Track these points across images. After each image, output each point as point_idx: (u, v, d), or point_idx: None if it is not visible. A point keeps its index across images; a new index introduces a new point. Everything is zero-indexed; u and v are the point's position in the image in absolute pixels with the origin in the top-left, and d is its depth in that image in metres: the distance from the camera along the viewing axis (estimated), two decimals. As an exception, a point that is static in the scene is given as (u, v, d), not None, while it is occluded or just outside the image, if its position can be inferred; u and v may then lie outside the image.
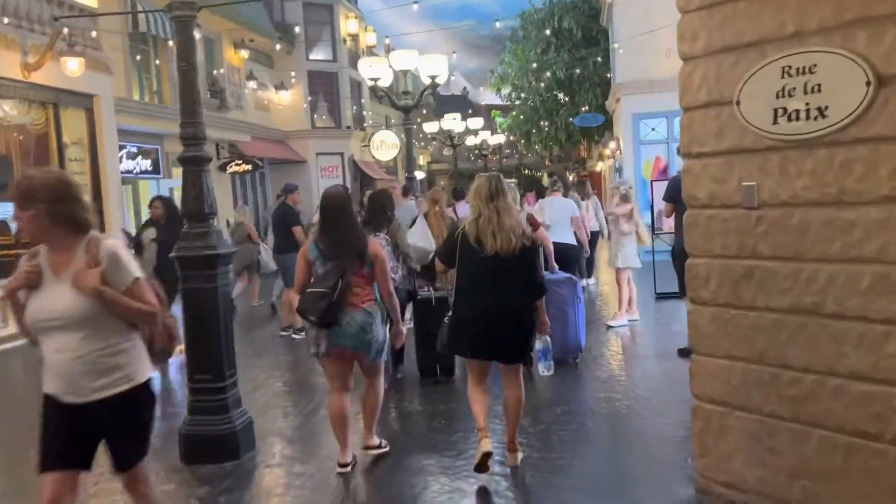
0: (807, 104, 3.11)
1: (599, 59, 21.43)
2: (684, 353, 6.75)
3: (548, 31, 24.01)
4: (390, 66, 13.10)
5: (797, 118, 3.14)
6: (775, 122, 3.22)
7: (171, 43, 13.43)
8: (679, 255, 6.72)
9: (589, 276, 11.12)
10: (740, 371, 3.47)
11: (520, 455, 4.22)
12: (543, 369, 4.41)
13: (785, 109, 3.17)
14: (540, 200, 8.84)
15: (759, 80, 3.26)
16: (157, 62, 13.87)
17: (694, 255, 3.74)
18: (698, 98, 3.60)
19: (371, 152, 22.98)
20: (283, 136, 20.70)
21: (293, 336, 8.80)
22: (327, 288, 3.91)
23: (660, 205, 10.27)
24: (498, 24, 32.27)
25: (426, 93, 13.40)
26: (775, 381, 3.33)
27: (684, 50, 3.68)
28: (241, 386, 4.80)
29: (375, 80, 12.63)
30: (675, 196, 6.57)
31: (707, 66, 3.53)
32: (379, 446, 4.44)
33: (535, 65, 24.54)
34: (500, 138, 29.03)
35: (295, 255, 8.63)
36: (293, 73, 20.08)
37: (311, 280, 4.05)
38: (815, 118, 3.08)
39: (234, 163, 16.67)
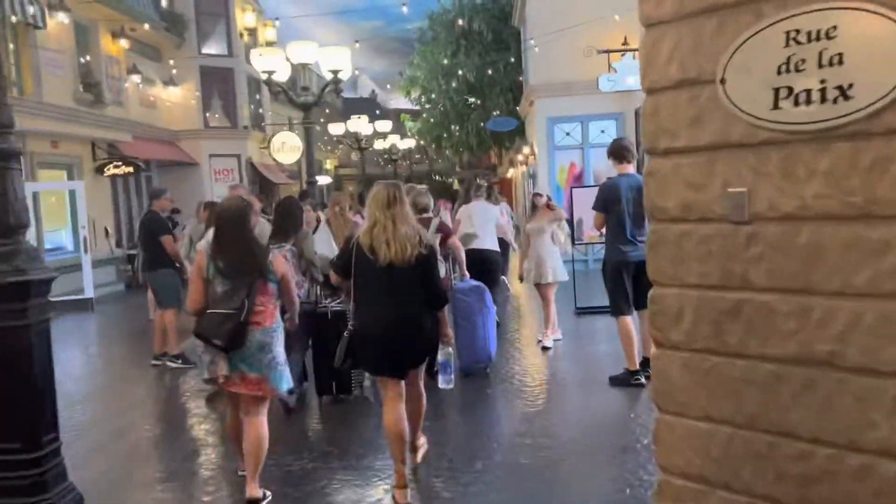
0: (822, 82, 2.27)
1: (512, 59, 20.80)
2: (617, 381, 6.00)
3: (457, 33, 23.36)
4: (287, 60, 11.93)
5: (808, 101, 2.30)
6: (776, 106, 2.37)
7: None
8: (611, 270, 5.95)
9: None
10: (724, 438, 2.62)
11: (422, 449, 4.40)
12: (443, 382, 4.28)
13: (790, 90, 2.33)
14: (465, 206, 8.45)
15: (752, 50, 2.42)
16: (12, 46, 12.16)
17: (660, 283, 2.86)
18: (667, 75, 2.71)
19: (271, 155, 21.56)
20: (172, 136, 19.03)
21: (168, 364, 7.59)
22: (233, 308, 3.69)
23: (581, 213, 9.60)
24: (408, 27, 31.48)
25: (328, 89, 12.32)
26: (773, 454, 2.50)
27: (648, 12, 2.79)
28: (99, 434, 4.27)
29: (269, 73, 11.44)
30: (606, 205, 5.79)
31: (680, 32, 2.66)
32: (262, 498, 3.93)
33: (444, 65, 23.83)
34: (410, 143, 28.15)
35: (167, 270, 7.50)
36: (175, 69, 18.45)
37: (210, 300, 3.80)
38: (835, 101, 2.25)
39: (112, 164, 14.98)
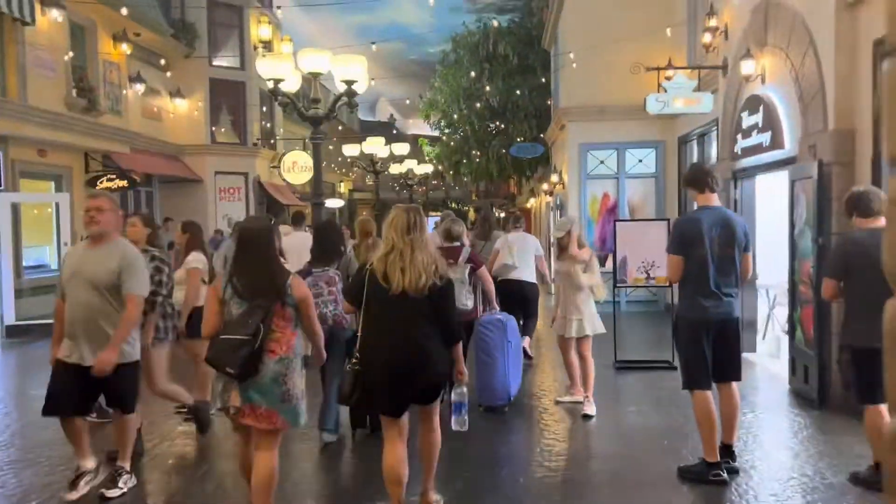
0: None
1: (542, 81, 19.57)
2: (689, 474, 4.60)
3: (481, 56, 22.34)
4: (297, 68, 10.74)
5: None
6: None
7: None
8: (686, 330, 4.61)
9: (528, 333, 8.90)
10: None
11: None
12: (456, 424, 4.00)
13: None
14: (505, 236, 8.37)
15: None
16: None
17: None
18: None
19: (281, 174, 20.46)
20: (175, 150, 17.94)
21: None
22: (247, 334, 3.49)
23: (626, 249, 8.26)
24: (430, 51, 30.47)
25: (341, 103, 11.13)
26: None
27: None
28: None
29: (277, 81, 10.25)
30: (684, 247, 4.48)
31: None
32: None
33: (467, 89, 22.78)
34: (427, 168, 26.93)
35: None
36: (182, 80, 17.40)
37: (226, 323, 3.61)
38: None
39: (106, 178, 13.83)
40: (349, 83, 10.27)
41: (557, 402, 6.59)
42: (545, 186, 18.33)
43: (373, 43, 12.96)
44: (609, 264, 13.15)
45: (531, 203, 26.73)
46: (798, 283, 6.83)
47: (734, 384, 4.73)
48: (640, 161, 13.23)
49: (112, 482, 4.43)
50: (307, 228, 10.11)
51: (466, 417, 4.03)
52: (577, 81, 13.26)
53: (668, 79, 9.85)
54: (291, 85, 10.87)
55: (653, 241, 8.19)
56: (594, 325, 6.47)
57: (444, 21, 27.09)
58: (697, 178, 4.65)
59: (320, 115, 10.90)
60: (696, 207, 4.77)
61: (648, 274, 8.23)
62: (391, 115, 44.36)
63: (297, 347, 3.73)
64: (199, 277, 6.41)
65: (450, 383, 3.99)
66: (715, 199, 4.65)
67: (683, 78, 9.42)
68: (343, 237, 5.51)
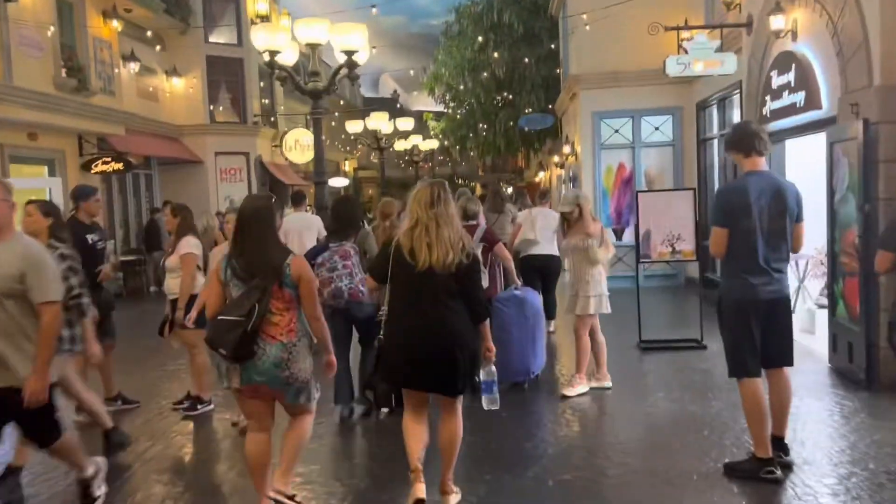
0: None
1: (552, 47, 18.80)
2: (739, 471, 4.13)
3: (484, 28, 21.63)
4: (294, 39, 10.22)
5: None
6: None
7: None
8: (733, 311, 4.13)
9: (552, 316, 8.44)
10: None
11: (453, 499, 3.81)
12: (487, 403, 3.91)
13: None
14: (527, 211, 8.56)
15: None
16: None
17: None
18: None
19: (283, 153, 19.93)
20: (174, 131, 17.42)
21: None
22: (240, 315, 3.39)
23: (650, 222, 7.73)
24: (433, 23, 29.66)
25: (341, 75, 10.59)
26: None
27: None
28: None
29: (273, 53, 9.72)
30: (730, 217, 3.99)
31: None
32: (292, 498, 3.70)
33: (471, 60, 22.10)
34: (432, 144, 26.33)
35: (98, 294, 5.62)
36: (178, 58, 16.83)
37: (225, 306, 3.50)
38: None
39: (101, 161, 13.34)
40: (349, 53, 9.72)
41: (564, 398, 5.92)
42: (556, 159, 17.75)
43: (373, 6, 12.31)
44: (626, 237, 12.71)
45: (540, 177, 26.11)
46: (839, 253, 6.31)
47: (786, 370, 4.24)
48: (657, 129, 12.64)
49: (85, 498, 3.99)
50: (308, 208, 9.66)
51: (497, 396, 3.91)
52: (588, 47, 12.64)
53: (686, 40, 9.24)
54: (289, 57, 10.34)
55: (678, 212, 7.70)
56: (605, 304, 6.08)
57: (446, -9, 26.32)
58: (743, 140, 4.12)
59: (320, 89, 10.37)
60: (740, 174, 4.23)
61: (674, 248, 7.73)
62: (395, 91, 43.61)
63: (300, 331, 3.56)
64: (195, 264, 5.97)
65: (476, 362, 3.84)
66: (763, 164, 4.13)
67: (704, 38, 8.83)
68: (361, 211, 5.55)
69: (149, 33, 15.66)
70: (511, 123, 22.09)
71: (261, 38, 9.48)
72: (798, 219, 4.15)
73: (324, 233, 7.66)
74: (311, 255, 5.05)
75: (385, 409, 5.51)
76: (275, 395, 3.59)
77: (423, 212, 3.57)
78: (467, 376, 3.63)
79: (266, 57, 9.58)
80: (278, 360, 3.45)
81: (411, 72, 25.67)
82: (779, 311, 4.13)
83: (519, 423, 5.38)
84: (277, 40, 9.49)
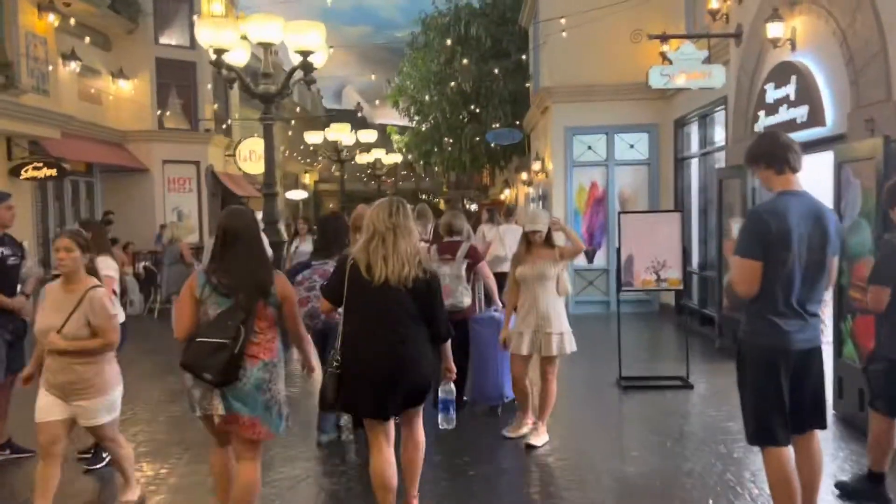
0: None
1: (523, 57, 18.16)
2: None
3: (450, 40, 20.97)
4: (244, 38, 9.34)
5: None
6: None
7: None
8: (758, 361, 3.33)
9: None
10: None
11: None
12: (443, 422, 3.90)
13: None
14: (498, 228, 8.88)
15: None
16: None
17: None
18: None
19: (237, 164, 18.89)
20: (118, 136, 16.27)
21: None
22: (227, 338, 3.23)
23: (632, 246, 6.99)
24: (398, 34, 29.05)
25: (296, 79, 9.75)
26: None
27: None
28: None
29: (220, 52, 8.83)
30: (767, 248, 3.17)
31: None
32: None
33: (437, 73, 21.41)
34: (396, 158, 25.51)
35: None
36: (124, 59, 15.75)
37: (202, 325, 3.36)
38: None
39: (32, 166, 12.20)
40: (305, 54, 8.89)
41: (506, 438, 5.33)
42: (524, 176, 17.05)
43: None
44: (598, 260, 12.01)
45: (506, 194, 25.44)
46: (847, 287, 5.62)
47: (817, 434, 3.48)
48: (632, 146, 12.00)
49: None
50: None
51: (454, 415, 3.95)
52: (561, 58, 11.97)
53: (663, 54, 8.60)
54: (239, 57, 9.44)
55: (663, 236, 6.97)
56: (571, 342, 5.27)
57: (414, 3, 25.64)
58: (775, 153, 3.35)
59: (272, 93, 9.50)
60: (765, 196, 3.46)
61: (659, 276, 6.98)
62: (357, 104, 42.68)
63: (280, 351, 3.50)
64: (112, 288, 5.03)
65: (436, 381, 3.83)
66: (798, 182, 3.36)
67: (691, 48, 8.17)
68: (348, 230, 5.14)
69: (88, 33, 14.55)
70: (477, 139, 21.41)
71: (206, 35, 8.58)
72: (835, 251, 3.41)
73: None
74: (292, 273, 4.99)
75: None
76: (252, 426, 3.36)
77: (380, 223, 3.43)
78: (424, 389, 3.58)
79: (212, 55, 8.72)
80: (259, 380, 3.33)
81: (372, 76, 24.81)
82: (813, 364, 3.37)
83: (486, 484, 4.53)
84: (225, 37, 8.58)
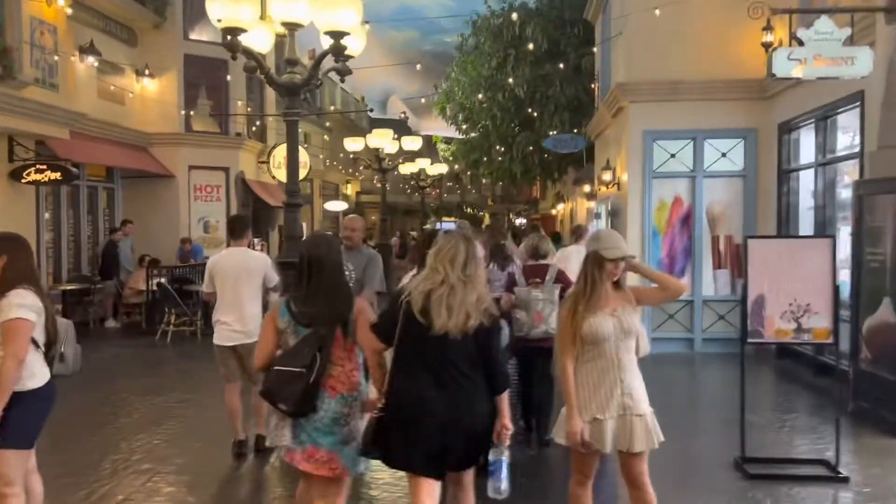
0: None
1: (583, 63, 16.45)
2: None
3: (504, 42, 19.40)
4: (265, 16, 7.83)
5: None
6: None
7: None
8: None
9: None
10: None
11: None
12: (493, 490, 3.23)
13: None
14: (564, 250, 8.23)
15: None
16: None
17: None
18: None
19: (270, 171, 17.42)
20: (142, 139, 14.96)
21: None
22: (302, 366, 3.19)
23: (764, 283, 5.15)
24: (447, 39, 27.53)
25: (327, 70, 8.21)
26: None
27: None
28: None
29: (234, 32, 7.27)
30: None
31: None
32: None
33: (488, 78, 19.81)
34: (441, 168, 23.92)
35: None
36: (151, 55, 14.44)
37: (280, 353, 3.35)
38: None
39: (34, 168, 10.87)
40: (337, 35, 7.30)
41: None
42: (586, 188, 15.19)
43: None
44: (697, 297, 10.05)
45: (560, 209, 23.59)
46: None
47: None
48: (724, 155, 10.09)
49: None
50: (256, 242, 7.16)
51: (507, 484, 3.22)
52: (641, 50, 10.15)
53: (766, 45, 6.74)
54: (260, 41, 7.90)
55: (808, 271, 5.12)
56: (657, 426, 3.52)
57: (463, 4, 24.11)
58: None
59: (297, 82, 7.88)
60: None
61: (800, 324, 5.13)
62: (403, 113, 41.35)
63: (361, 385, 3.39)
64: (27, 336, 3.47)
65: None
66: None
67: (829, 24, 6.29)
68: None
69: (111, 26, 13.30)
70: (531, 148, 19.69)
71: (217, 9, 7.04)
72: None
73: (274, 279, 5.21)
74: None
75: None
76: (328, 461, 3.26)
77: (453, 272, 3.14)
78: (482, 446, 3.18)
79: (225, 38, 7.20)
80: (338, 414, 3.27)
81: (422, 100, 23.35)
82: None
83: None
84: (240, 13, 7.05)
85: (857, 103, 7.26)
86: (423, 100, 24.34)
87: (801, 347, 8.56)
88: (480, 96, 20.07)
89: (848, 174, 8.22)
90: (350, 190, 31.74)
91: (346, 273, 4.63)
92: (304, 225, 20.26)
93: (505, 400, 3.24)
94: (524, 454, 5.36)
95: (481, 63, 20.54)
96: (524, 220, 30.44)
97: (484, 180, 24.26)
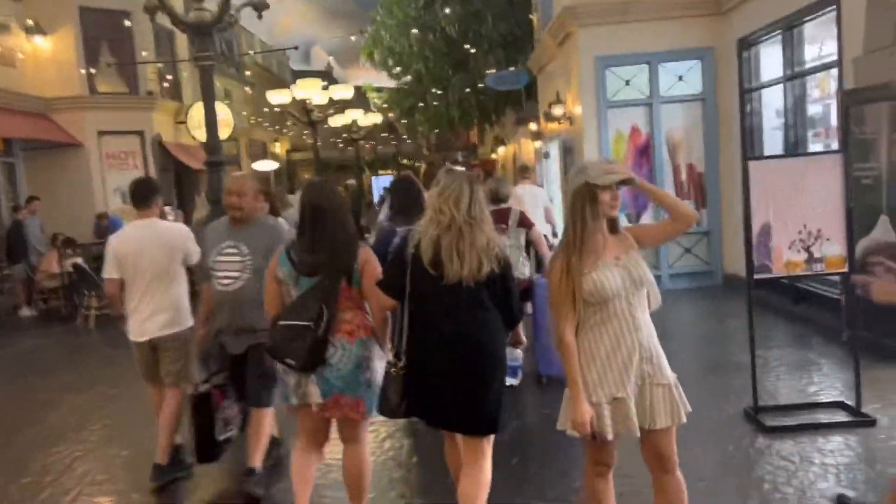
0: None
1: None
2: None
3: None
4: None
5: None
6: None
7: None
8: None
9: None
10: None
11: None
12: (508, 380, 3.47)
13: None
14: (514, 189, 7.29)
15: None
16: None
17: None
18: None
19: (190, 131, 16.08)
20: (41, 105, 13.44)
21: None
22: (308, 320, 3.09)
23: (768, 212, 4.48)
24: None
25: (242, 4, 7.21)
26: None
27: None
28: None
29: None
30: None
31: None
32: None
33: (416, 19, 18.71)
34: (375, 118, 22.76)
35: None
36: (29, 11, 12.88)
37: (284, 307, 3.23)
38: None
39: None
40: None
41: None
42: (533, 127, 14.42)
43: None
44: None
45: (501, 152, 22.85)
46: None
47: None
48: (680, 79, 9.45)
49: None
50: (169, 211, 6.14)
51: (516, 381, 4.60)
52: (588, -31, 9.32)
53: None
54: (158, -26, 6.82)
55: (817, 193, 4.51)
56: (682, 397, 2.86)
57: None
58: None
59: (207, 21, 6.87)
60: None
61: (811, 253, 4.53)
62: (328, 64, 39.55)
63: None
64: None
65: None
66: None
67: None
68: (421, 191, 4.54)
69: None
70: (467, 90, 18.79)
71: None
72: None
73: (194, 254, 4.29)
74: (382, 246, 4.21)
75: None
76: (355, 405, 3.21)
77: (458, 214, 2.96)
78: (496, 409, 3.02)
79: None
80: (360, 358, 3.20)
81: (352, 37, 22.01)
82: None
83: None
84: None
85: (833, 7, 6.64)
86: (352, 37, 22.84)
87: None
88: (411, 37, 19.00)
89: (819, 87, 7.68)
90: (279, 148, 30.21)
91: (240, 260, 3.85)
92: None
93: (519, 327, 3.36)
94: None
95: (408, 3, 19.41)
96: (463, 168, 29.65)
97: (420, 128, 23.21)
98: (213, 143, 7.03)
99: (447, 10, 17.99)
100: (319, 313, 3.08)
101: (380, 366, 3.24)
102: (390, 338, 3.38)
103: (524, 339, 3.80)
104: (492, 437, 3.10)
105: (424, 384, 3.04)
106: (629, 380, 2.75)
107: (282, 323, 3.14)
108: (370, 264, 3.25)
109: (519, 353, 3.87)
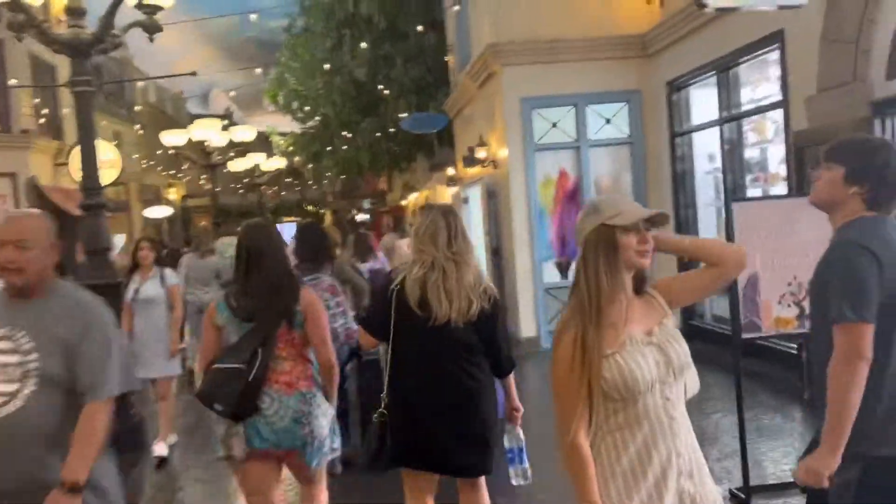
0: None
1: (427, 42, 15.14)
2: None
3: (339, 21, 17.78)
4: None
5: None
6: None
7: None
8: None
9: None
10: None
11: None
12: (515, 476, 3.16)
13: None
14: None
15: None
16: None
17: None
18: None
19: (72, 174, 14.59)
20: None
21: None
22: (241, 362, 2.91)
23: (755, 261, 3.85)
24: (273, 25, 25.34)
25: (129, 25, 6.31)
26: None
27: None
28: None
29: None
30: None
31: None
32: None
33: (323, 62, 18.05)
34: (279, 163, 21.74)
35: None
36: None
37: (222, 351, 3.09)
38: None
39: None
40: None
41: None
42: (450, 172, 13.82)
43: None
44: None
45: (411, 199, 22.22)
46: None
47: None
48: (608, 121, 9.09)
49: None
50: None
51: (528, 466, 3.15)
52: (511, 4, 8.86)
53: None
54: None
55: (805, 237, 3.97)
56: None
57: (288, -16, 21.99)
58: None
59: (84, 39, 5.87)
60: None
61: (802, 308, 3.97)
62: (227, 109, 38.15)
63: (317, 380, 3.15)
64: None
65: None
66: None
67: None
68: (330, 240, 4.70)
69: None
70: (378, 134, 18.14)
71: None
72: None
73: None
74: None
75: None
76: (288, 458, 3.08)
77: (438, 252, 2.90)
78: (489, 447, 2.99)
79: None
80: (298, 413, 2.98)
81: (257, 71, 21.04)
82: None
83: None
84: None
85: (775, 45, 6.37)
86: (257, 70, 21.76)
87: (706, 322, 7.74)
88: (317, 81, 18.28)
89: (755, 130, 7.42)
90: (174, 194, 28.47)
91: (18, 361, 2.44)
92: (123, 237, 17.40)
93: (511, 382, 3.16)
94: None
95: (314, 45, 18.76)
96: (369, 217, 28.85)
97: (328, 174, 22.35)
98: (91, 182, 6.00)
99: (355, 54, 17.41)
100: (253, 355, 2.92)
101: (324, 423, 3.05)
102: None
103: (520, 405, 3.13)
104: (483, 479, 3.07)
105: (411, 429, 2.96)
106: (657, 495, 1.98)
107: (215, 366, 2.98)
108: (314, 307, 3.10)
109: (520, 432, 3.12)
